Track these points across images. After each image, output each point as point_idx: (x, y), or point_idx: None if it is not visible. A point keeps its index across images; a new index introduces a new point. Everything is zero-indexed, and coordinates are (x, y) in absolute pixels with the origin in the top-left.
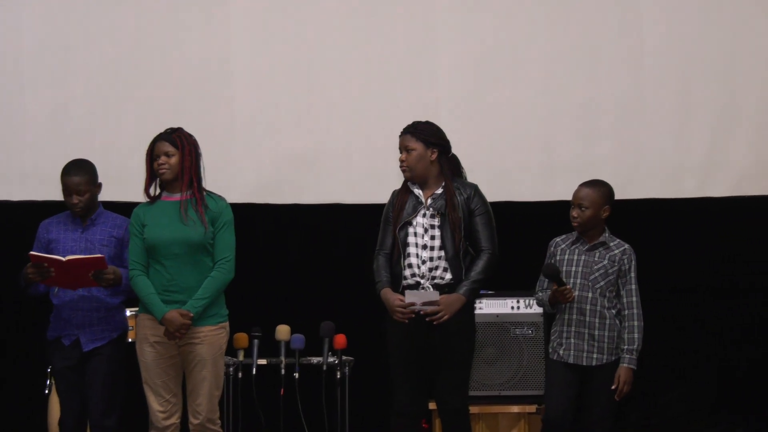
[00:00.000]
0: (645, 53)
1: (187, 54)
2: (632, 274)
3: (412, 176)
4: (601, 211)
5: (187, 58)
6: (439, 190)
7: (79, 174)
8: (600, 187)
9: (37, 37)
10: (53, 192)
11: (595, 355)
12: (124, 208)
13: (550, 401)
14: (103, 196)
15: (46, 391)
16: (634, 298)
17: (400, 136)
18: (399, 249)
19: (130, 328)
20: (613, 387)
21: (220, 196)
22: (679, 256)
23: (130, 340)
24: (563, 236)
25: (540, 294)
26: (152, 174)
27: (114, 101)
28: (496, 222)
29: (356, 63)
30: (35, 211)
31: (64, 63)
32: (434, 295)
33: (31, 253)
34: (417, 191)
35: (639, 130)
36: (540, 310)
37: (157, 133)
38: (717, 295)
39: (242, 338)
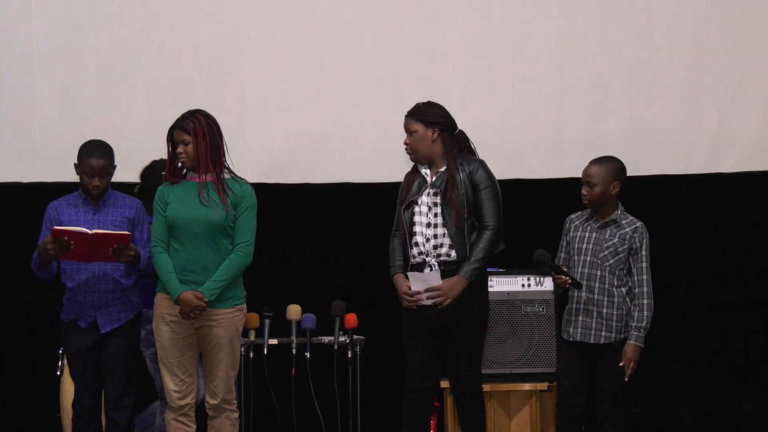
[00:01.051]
0: (655, 28)
1: (197, 34)
2: (643, 252)
3: (417, 158)
4: (611, 188)
5: (197, 38)
6: (443, 168)
7: (104, 157)
8: (609, 163)
9: (47, 17)
10: (63, 173)
11: (603, 333)
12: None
13: (561, 384)
14: (114, 177)
15: (58, 373)
16: (645, 276)
17: (404, 119)
18: (404, 228)
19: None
20: (620, 364)
21: (245, 180)
22: (690, 232)
23: None
24: (578, 213)
25: (558, 258)
26: (173, 157)
27: (124, 82)
28: (507, 199)
29: (367, 41)
30: (45, 192)
31: (74, 44)
32: (436, 279)
33: (55, 228)
34: (424, 171)
35: (649, 106)
36: (551, 287)
37: (168, 113)
38: (728, 271)
39: (253, 318)
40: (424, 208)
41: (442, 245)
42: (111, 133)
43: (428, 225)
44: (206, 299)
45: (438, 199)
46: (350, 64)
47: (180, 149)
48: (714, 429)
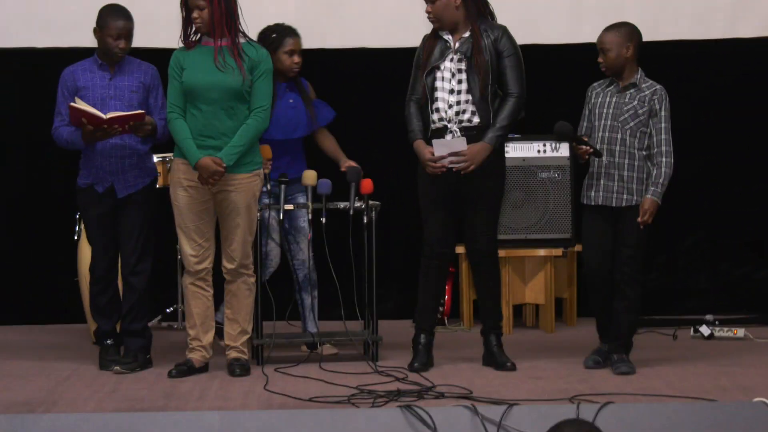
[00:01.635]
0: None
1: None
2: (663, 113)
3: (441, 26)
4: (624, 50)
5: None
6: (467, 34)
7: (129, 18)
8: (620, 27)
9: None
10: (77, 39)
11: (625, 196)
12: (152, 54)
13: (585, 249)
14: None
15: (75, 237)
16: (663, 136)
17: None
18: (426, 94)
19: (158, 174)
20: (638, 219)
21: (260, 45)
22: (708, 100)
23: (158, 186)
24: (600, 81)
25: (582, 125)
26: (183, 23)
27: None
28: (524, 65)
29: None
30: (60, 57)
31: None
32: (461, 145)
33: (72, 105)
34: (446, 36)
35: None
36: (567, 153)
37: None
38: (746, 141)
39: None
40: (447, 74)
41: (464, 111)
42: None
43: (451, 91)
44: (224, 164)
45: (462, 66)
46: None
47: (195, 14)
48: (728, 295)
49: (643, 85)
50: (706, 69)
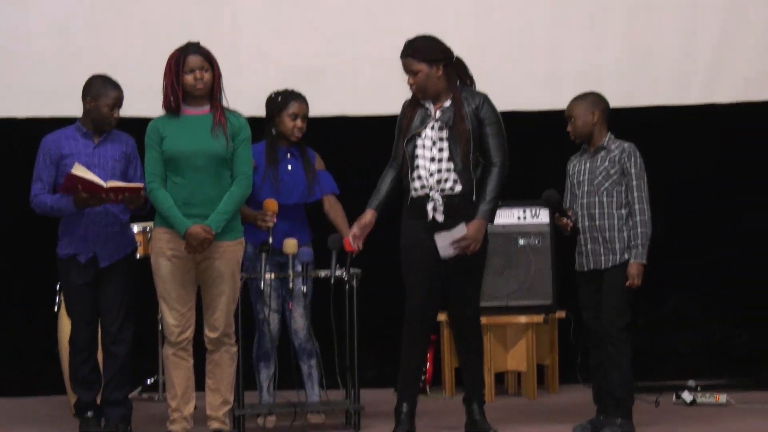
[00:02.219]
0: None
1: None
2: (633, 171)
3: (424, 96)
4: (590, 117)
5: None
6: (448, 102)
7: (121, 89)
8: (585, 96)
9: None
10: (58, 108)
11: (609, 257)
12: (129, 124)
13: (582, 315)
14: None
15: (56, 309)
16: (636, 194)
17: (401, 59)
18: (407, 162)
19: (138, 244)
20: (627, 284)
21: (239, 113)
22: (685, 162)
23: (138, 256)
24: (577, 153)
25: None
26: (176, 87)
27: (119, 15)
28: None
29: None
30: (40, 127)
31: None
32: (461, 231)
33: (72, 173)
34: (427, 104)
35: (645, 36)
36: (546, 219)
37: (163, 46)
38: (724, 202)
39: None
40: (428, 142)
41: (446, 180)
42: (105, 68)
43: (432, 159)
44: (213, 231)
45: (444, 134)
46: None
47: (198, 75)
48: (710, 358)
49: (612, 146)
50: (683, 134)
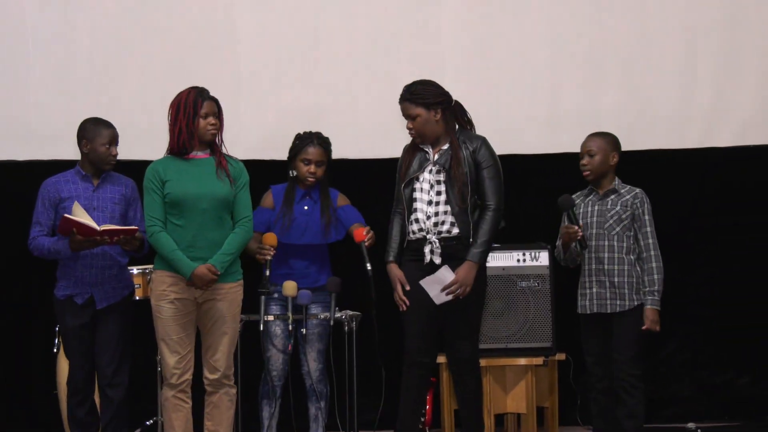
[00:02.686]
0: (649, 3)
1: (191, 9)
2: (646, 217)
3: (423, 140)
4: (610, 158)
5: (191, 13)
6: (446, 146)
7: (114, 127)
8: (607, 135)
9: None
10: (58, 151)
11: (618, 302)
12: (129, 167)
13: (585, 359)
14: None
15: (55, 350)
16: (651, 240)
17: (400, 104)
18: (404, 205)
19: (137, 286)
20: (643, 328)
21: (235, 158)
22: (684, 207)
23: (137, 298)
24: (578, 192)
25: (558, 243)
26: (192, 129)
27: (118, 59)
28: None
29: (361, 16)
30: (40, 170)
31: (67, 20)
32: (448, 275)
33: (67, 216)
34: (426, 148)
35: (643, 80)
36: (546, 262)
37: (162, 90)
38: (722, 245)
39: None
40: (426, 186)
41: (444, 222)
42: (105, 110)
43: (429, 203)
44: (218, 271)
45: (441, 177)
46: (344, 39)
47: (212, 120)
48: (710, 402)
49: (623, 190)
50: (682, 178)
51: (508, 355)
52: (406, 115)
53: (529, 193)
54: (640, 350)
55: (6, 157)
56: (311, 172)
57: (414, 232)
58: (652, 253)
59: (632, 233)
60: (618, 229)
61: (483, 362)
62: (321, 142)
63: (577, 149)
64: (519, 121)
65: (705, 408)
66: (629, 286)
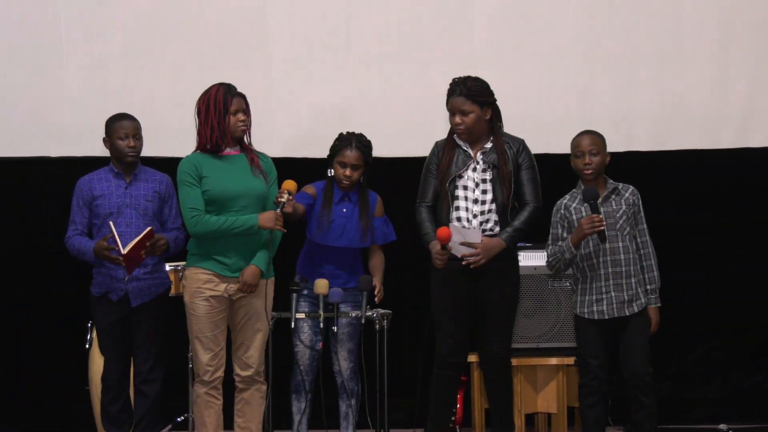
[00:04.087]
0: (684, 2)
1: (224, 8)
2: (642, 214)
3: (470, 137)
4: (606, 157)
5: (224, 12)
6: (488, 145)
7: (133, 119)
8: (599, 135)
9: None
10: (91, 148)
11: (635, 303)
12: (162, 164)
13: (589, 363)
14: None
15: (87, 346)
16: (647, 237)
17: (450, 97)
18: (448, 202)
19: (170, 282)
20: (653, 331)
21: (264, 153)
22: (716, 207)
23: (170, 294)
24: (567, 197)
25: (556, 246)
26: (224, 126)
27: (151, 56)
28: None
29: (393, 15)
30: (74, 166)
31: (101, 18)
32: (475, 236)
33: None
34: (465, 146)
35: (677, 80)
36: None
37: (194, 88)
38: (755, 247)
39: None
40: (471, 184)
41: (488, 221)
42: (138, 108)
43: (475, 201)
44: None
45: (487, 176)
46: (377, 38)
47: (242, 117)
48: (740, 404)
49: (620, 188)
50: (714, 178)
51: (539, 355)
52: (458, 110)
53: (561, 192)
54: (649, 350)
55: (39, 153)
56: (346, 175)
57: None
58: (650, 249)
59: (634, 231)
60: (628, 228)
61: (514, 361)
62: (359, 145)
63: (612, 149)
64: (551, 120)
65: (736, 410)
66: (641, 285)
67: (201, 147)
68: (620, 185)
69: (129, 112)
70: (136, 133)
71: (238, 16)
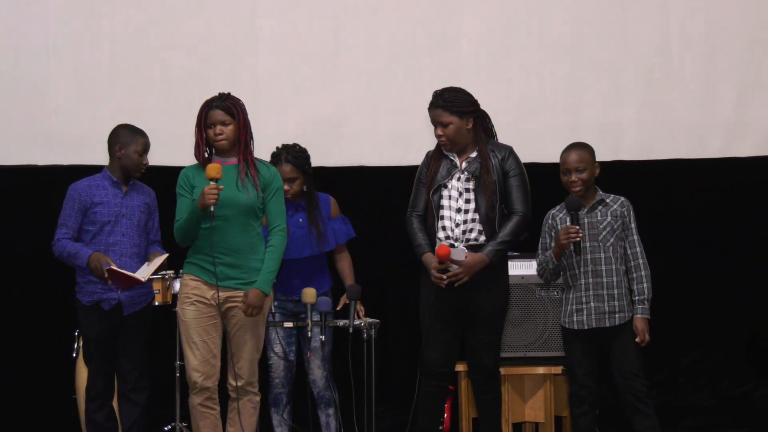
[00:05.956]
0: (671, 13)
1: (212, 18)
2: (633, 225)
3: (453, 148)
4: (594, 170)
5: (212, 23)
6: (474, 154)
7: (147, 136)
8: (586, 147)
9: (64, 2)
10: (78, 157)
11: (617, 315)
12: (151, 173)
13: (576, 373)
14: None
15: (74, 355)
16: (638, 249)
17: (430, 110)
18: (433, 212)
19: (156, 291)
20: (637, 340)
21: (269, 163)
22: (704, 217)
23: (156, 303)
24: (556, 207)
25: (543, 255)
26: (204, 140)
27: (139, 67)
28: None
29: (382, 25)
30: (61, 175)
31: (89, 28)
32: (459, 255)
33: (111, 267)
34: (452, 155)
35: (664, 91)
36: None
37: (182, 98)
38: (743, 256)
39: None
40: (455, 193)
41: (471, 230)
42: (125, 117)
43: (458, 210)
44: (267, 293)
45: (470, 185)
46: (365, 48)
47: (218, 130)
48: (730, 412)
49: (608, 200)
50: (702, 187)
51: (526, 364)
52: (438, 122)
53: (550, 202)
54: (643, 360)
55: (28, 161)
56: (285, 189)
57: (440, 239)
58: (641, 261)
59: (622, 243)
60: (612, 240)
61: (501, 371)
62: (289, 158)
63: (600, 158)
64: (539, 130)
65: (724, 419)
66: (625, 297)
67: (195, 156)
68: (610, 197)
69: (115, 123)
70: (149, 150)
71: (227, 26)
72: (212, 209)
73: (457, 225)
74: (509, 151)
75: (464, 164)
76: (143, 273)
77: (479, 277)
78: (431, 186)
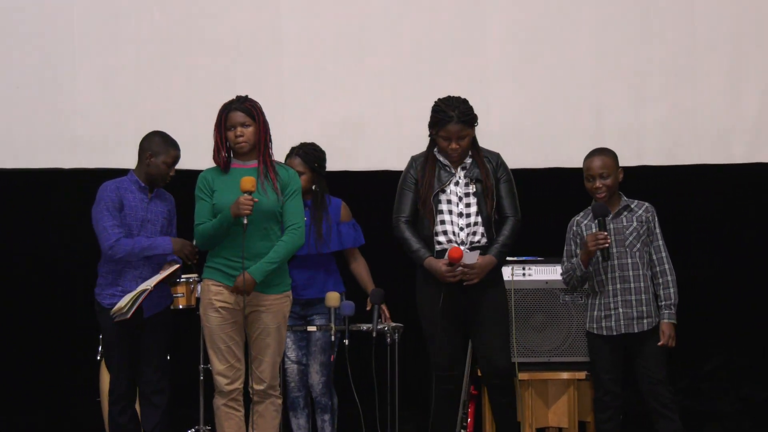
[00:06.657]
0: (696, 16)
1: (236, 21)
2: (658, 230)
3: (460, 158)
4: (618, 175)
5: (236, 26)
6: (469, 160)
7: (179, 149)
8: (610, 152)
9: (88, 5)
10: (102, 160)
11: (645, 320)
12: (174, 176)
13: (602, 378)
14: None
15: (99, 357)
16: (664, 254)
17: (448, 124)
18: (432, 216)
19: (181, 295)
20: (660, 344)
21: (287, 166)
22: (728, 222)
23: (180, 306)
24: (581, 214)
25: (569, 263)
26: (223, 143)
27: (164, 68)
28: (544, 188)
29: (406, 29)
30: (85, 178)
31: (114, 32)
32: (472, 258)
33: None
34: (444, 160)
35: (689, 94)
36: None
37: (206, 101)
38: (765, 262)
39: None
40: (454, 198)
41: (475, 233)
42: (150, 120)
43: (460, 215)
44: (255, 281)
45: (470, 189)
46: (389, 51)
47: (239, 131)
48: (753, 418)
49: (633, 206)
50: (725, 192)
51: (550, 369)
52: (459, 136)
53: (571, 206)
54: (668, 367)
55: (51, 165)
56: None
57: (441, 243)
58: (666, 266)
59: (647, 248)
60: (638, 245)
61: (525, 376)
62: (300, 152)
63: (623, 163)
64: (563, 134)
65: (746, 425)
66: (652, 303)
67: (213, 159)
68: (634, 202)
69: (139, 126)
70: (177, 163)
71: (250, 29)
72: (245, 220)
73: (462, 229)
74: (499, 158)
75: (461, 169)
76: (150, 282)
77: (484, 278)
78: (427, 192)
